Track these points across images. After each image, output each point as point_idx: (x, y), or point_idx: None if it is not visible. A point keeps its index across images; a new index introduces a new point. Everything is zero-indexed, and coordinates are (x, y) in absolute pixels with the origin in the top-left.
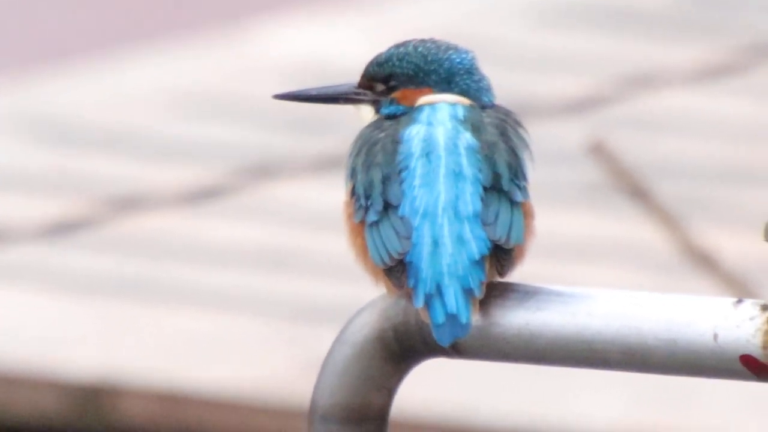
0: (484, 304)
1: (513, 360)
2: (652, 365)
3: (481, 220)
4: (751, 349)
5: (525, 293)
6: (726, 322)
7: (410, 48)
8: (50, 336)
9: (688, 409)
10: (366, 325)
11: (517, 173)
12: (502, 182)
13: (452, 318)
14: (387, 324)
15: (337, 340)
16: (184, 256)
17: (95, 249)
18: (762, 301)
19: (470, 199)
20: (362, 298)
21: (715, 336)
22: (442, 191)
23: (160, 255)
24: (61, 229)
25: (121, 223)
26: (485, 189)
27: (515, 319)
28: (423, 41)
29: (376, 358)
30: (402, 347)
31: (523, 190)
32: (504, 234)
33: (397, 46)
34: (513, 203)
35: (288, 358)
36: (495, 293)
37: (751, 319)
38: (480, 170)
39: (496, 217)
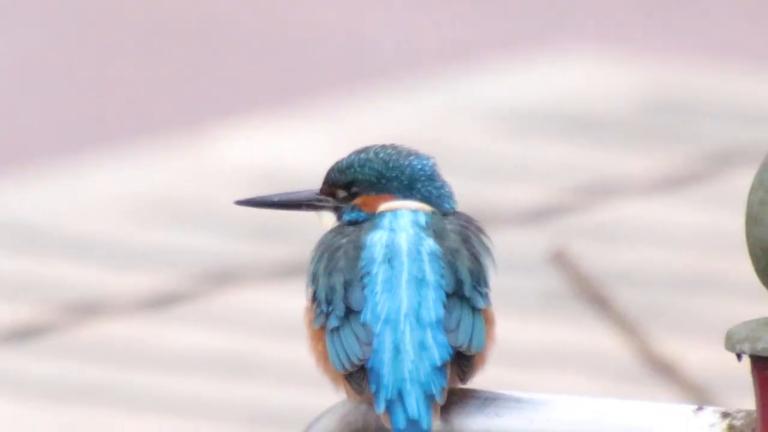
0: (445, 410)
1: None
2: None
3: (444, 326)
4: None
5: (485, 399)
6: (686, 429)
7: (371, 154)
8: None
9: None
10: (326, 430)
11: (479, 280)
12: (465, 289)
13: (413, 423)
14: (347, 429)
15: None
16: (145, 362)
17: (55, 355)
18: (722, 409)
19: (432, 306)
20: (323, 404)
21: None
22: (404, 297)
23: (121, 361)
24: (20, 335)
25: (81, 329)
26: (447, 295)
27: (475, 425)
28: (384, 147)
29: None
30: None
31: (485, 296)
32: (466, 341)
33: (358, 152)
34: (475, 310)
35: None
36: (455, 399)
37: (711, 426)
38: (442, 276)
39: (458, 323)
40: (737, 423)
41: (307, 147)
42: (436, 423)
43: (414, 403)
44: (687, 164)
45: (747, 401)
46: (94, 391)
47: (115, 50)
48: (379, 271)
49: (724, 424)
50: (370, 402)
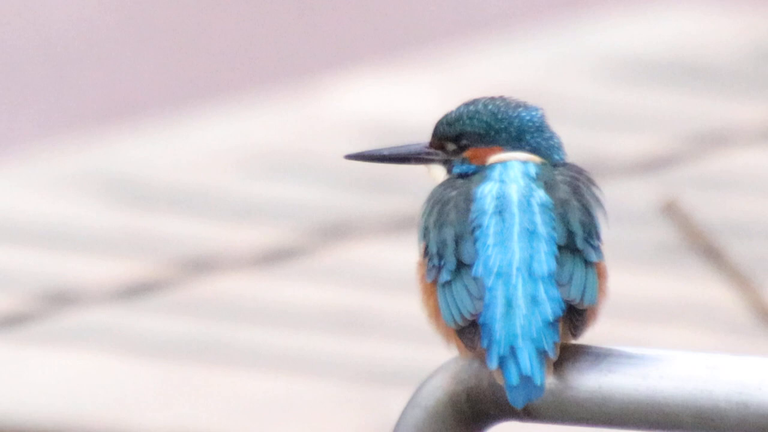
0: (558, 365)
1: (585, 423)
2: (724, 428)
3: (556, 280)
4: None
5: (597, 355)
6: None
7: (480, 106)
8: (122, 399)
9: None
10: (438, 388)
11: (591, 232)
12: (577, 241)
13: (526, 380)
14: (459, 387)
15: (409, 404)
16: (256, 319)
17: (167, 311)
18: None
19: (545, 259)
20: (435, 360)
21: None
22: (517, 250)
23: (233, 317)
24: (132, 291)
25: (193, 285)
26: (559, 248)
27: (587, 381)
28: (492, 99)
29: (448, 421)
30: (474, 410)
31: (597, 249)
32: (578, 295)
33: (467, 104)
34: (587, 263)
35: (360, 421)
36: (568, 355)
37: None
38: (554, 229)
39: (571, 277)
40: None
41: (417, 99)
42: (549, 379)
43: (527, 359)
44: None
45: None
46: (204, 348)
47: (223, 2)
48: (491, 224)
49: None
50: (483, 358)
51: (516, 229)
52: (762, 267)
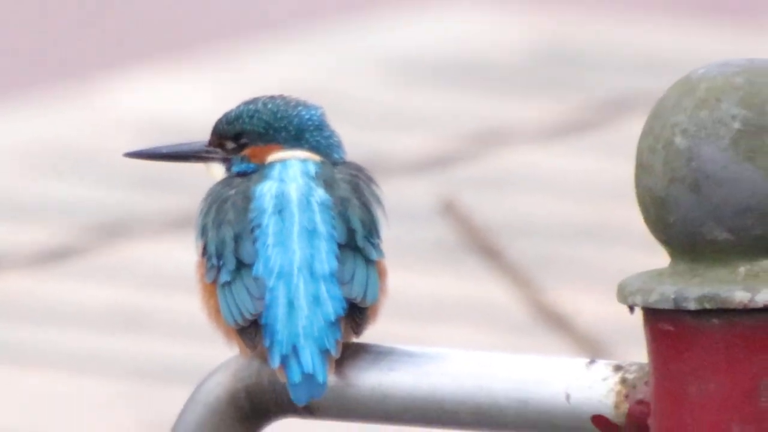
0: (339, 364)
1: (365, 420)
2: (504, 425)
3: (337, 278)
4: (603, 410)
5: (378, 353)
6: (578, 382)
7: (260, 105)
8: None
9: None
10: (218, 385)
11: (371, 230)
12: (357, 239)
13: (309, 378)
14: (240, 384)
15: (190, 401)
16: (35, 317)
17: None
18: (615, 362)
19: (326, 258)
20: (216, 358)
21: (568, 396)
22: (297, 250)
23: (11, 315)
24: None
25: None
26: (340, 246)
27: (368, 379)
28: (272, 98)
29: (229, 418)
30: (254, 407)
31: (377, 247)
32: (360, 293)
33: (247, 103)
34: (368, 261)
35: (141, 418)
36: (349, 353)
37: (604, 379)
38: (334, 227)
39: (353, 275)
40: (630, 376)
41: (198, 98)
42: (331, 377)
43: (309, 358)
44: (578, 112)
45: (640, 354)
46: None
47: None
48: (270, 223)
49: (617, 377)
50: (264, 357)
51: (296, 228)
52: (540, 265)
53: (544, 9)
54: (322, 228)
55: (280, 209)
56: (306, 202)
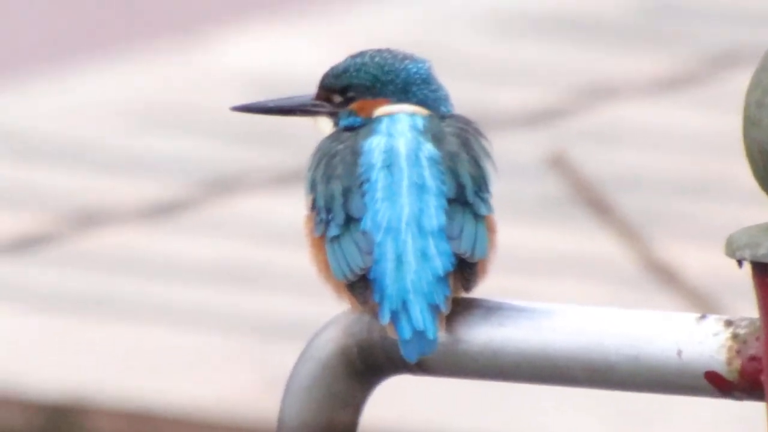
0: (450, 319)
1: (477, 377)
2: (615, 382)
3: (446, 234)
4: (715, 366)
5: (488, 309)
6: (689, 338)
7: (367, 58)
8: (12, 352)
9: (661, 428)
10: (330, 341)
11: (481, 185)
12: (467, 194)
13: (419, 334)
14: (351, 340)
15: (301, 357)
16: (145, 272)
17: (56, 264)
18: (725, 317)
19: (434, 213)
20: (326, 313)
21: (679, 352)
22: (406, 205)
23: (122, 271)
24: (20, 245)
25: (80, 239)
26: (449, 201)
27: (479, 335)
28: (379, 51)
29: (341, 374)
30: (366, 364)
31: (487, 202)
32: (469, 249)
33: (354, 56)
34: (477, 216)
35: (253, 374)
36: (459, 309)
37: (715, 335)
38: (443, 182)
39: (461, 231)
40: (741, 332)
41: (304, 52)
42: (442, 333)
43: (419, 314)
44: (687, 66)
45: (751, 309)
46: (94, 301)
47: None
48: (379, 178)
49: (728, 332)
50: (374, 313)
51: (405, 183)
52: (649, 220)
53: None
54: (431, 183)
55: (389, 164)
56: (414, 157)
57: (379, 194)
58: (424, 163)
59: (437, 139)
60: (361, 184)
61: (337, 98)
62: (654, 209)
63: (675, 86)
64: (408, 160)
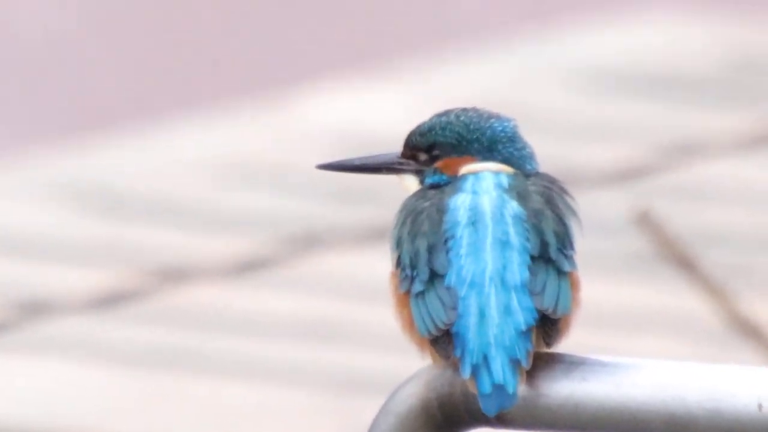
0: (531, 374)
1: (557, 429)
2: None
3: (529, 289)
4: None
5: (570, 363)
6: None
7: (452, 117)
8: (98, 409)
9: None
10: (411, 396)
11: (565, 242)
12: (550, 251)
13: (499, 388)
14: (432, 394)
15: (382, 411)
16: (230, 328)
17: (142, 321)
18: None
19: (518, 269)
20: (408, 368)
21: (760, 406)
22: (489, 260)
23: (207, 326)
24: (107, 301)
25: (167, 295)
26: (533, 258)
27: (561, 389)
28: (465, 110)
29: (421, 428)
30: (446, 417)
31: (570, 259)
32: (552, 304)
33: (439, 115)
34: (560, 273)
35: (334, 429)
36: (541, 364)
37: None
38: (527, 239)
39: (544, 287)
40: None
41: (389, 110)
42: (522, 387)
43: (499, 368)
44: None
45: None
46: (178, 357)
47: (196, 11)
48: (464, 234)
49: None
50: (456, 367)
51: (489, 239)
52: (734, 275)
53: (734, 16)
54: (515, 240)
55: (474, 221)
56: (499, 215)
57: (463, 250)
58: (509, 220)
59: (522, 197)
60: (446, 240)
61: (423, 156)
62: (740, 264)
63: (762, 143)
64: (493, 217)
